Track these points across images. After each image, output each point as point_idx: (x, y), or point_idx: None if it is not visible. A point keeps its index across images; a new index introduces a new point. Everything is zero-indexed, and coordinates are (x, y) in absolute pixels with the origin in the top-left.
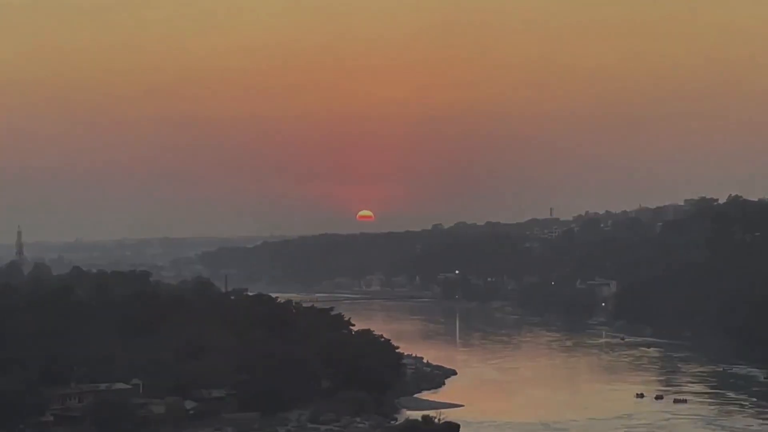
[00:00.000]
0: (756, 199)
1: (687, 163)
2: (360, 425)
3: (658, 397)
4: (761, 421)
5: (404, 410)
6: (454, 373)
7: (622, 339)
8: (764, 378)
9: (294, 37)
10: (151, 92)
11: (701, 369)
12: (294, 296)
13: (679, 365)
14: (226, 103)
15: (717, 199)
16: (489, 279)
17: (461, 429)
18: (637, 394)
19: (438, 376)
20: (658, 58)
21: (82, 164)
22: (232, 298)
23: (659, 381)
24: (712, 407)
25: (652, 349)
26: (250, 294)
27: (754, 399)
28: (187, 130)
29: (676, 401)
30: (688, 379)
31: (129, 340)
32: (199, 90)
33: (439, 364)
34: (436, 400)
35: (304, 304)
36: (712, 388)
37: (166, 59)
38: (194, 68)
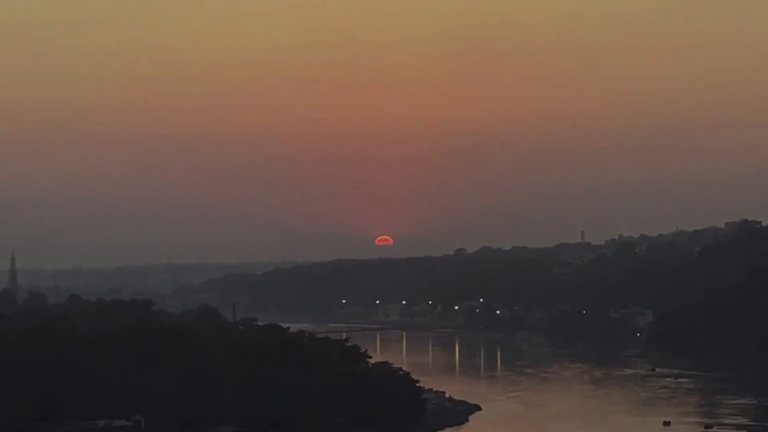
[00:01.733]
0: None
1: (727, 182)
2: None
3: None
4: None
5: None
6: (479, 408)
7: (653, 370)
8: None
9: (306, 47)
10: (152, 109)
11: (740, 401)
12: (307, 326)
13: (716, 397)
14: (233, 120)
15: (760, 222)
16: (515, 308)
17: None
18: (664, 422)
19: (461, 412)
20: (697, 69)
21: (80, 186)
22: (241, 328)
23: (697, 412)
24: None
25: (685, 380)
26: (260, 324)
27: None
28: (191, 149)
29: None
30: (728, 411)
31: (130, 373)
32: (203, 106)
33: (463, 398)
34: None
35: (318, 335)
36: (754, 420)
37: (168, 73)
38: (198, 82)
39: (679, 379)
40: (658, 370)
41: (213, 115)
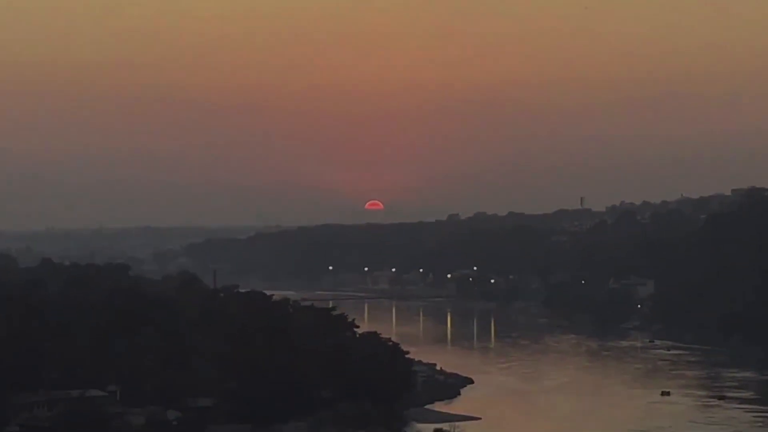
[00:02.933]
0: None
1: (734, 148)
2: None
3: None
4: None
5: (414, 423)
6: (471, 381)
7: (651, 342)
8: None
9: (295, 2)
10: (131, 64)
11: (743, 374)
12: (292, 294)
13: (717, 369)
14: (217, 78)
15: None
16: (511, 277)
17: None
18: (662, 392)
19: (453, 386)
20: (702, 30)
21: (53, 144)
22: (222, 295)
23: (697, 385)
24: None
25: (685, 352)
26: (242, 291)
27: None
28: (172, 107)
29: None
30: (731, 384)
31: (105, 342)
32: (186, 63)
33: (454, 371)
34: (451, 411)
35: (303, 303)
36: (756, 394)
37: (150, 28)
38: (182, 38)
39: (678, 352)
40: (657, 342)
41: (196, 73)
